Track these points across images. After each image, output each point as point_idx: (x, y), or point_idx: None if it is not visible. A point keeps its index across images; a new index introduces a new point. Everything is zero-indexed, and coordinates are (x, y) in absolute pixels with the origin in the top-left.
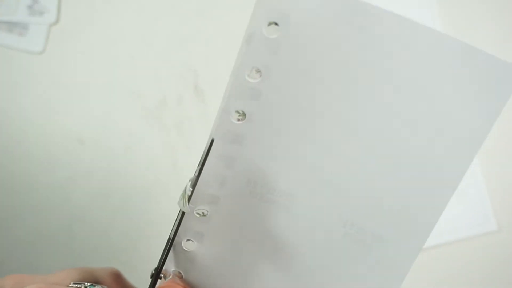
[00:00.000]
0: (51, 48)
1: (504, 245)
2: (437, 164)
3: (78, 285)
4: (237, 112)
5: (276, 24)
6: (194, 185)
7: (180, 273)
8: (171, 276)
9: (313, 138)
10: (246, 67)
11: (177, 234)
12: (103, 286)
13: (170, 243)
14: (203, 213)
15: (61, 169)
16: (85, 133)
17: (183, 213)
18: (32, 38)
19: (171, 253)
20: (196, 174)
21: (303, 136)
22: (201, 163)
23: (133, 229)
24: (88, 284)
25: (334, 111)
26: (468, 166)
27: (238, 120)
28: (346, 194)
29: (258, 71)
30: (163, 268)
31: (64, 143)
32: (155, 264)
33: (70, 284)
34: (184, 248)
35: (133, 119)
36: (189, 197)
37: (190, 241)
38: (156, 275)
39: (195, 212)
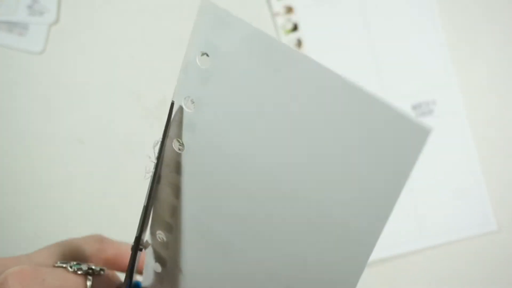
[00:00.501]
0: (51, 48)
1: (504, 245)
2: (350, 224)
3: (64, 265)
4: (178, 141)
5: (207, 55)
6: (160, 147)
7: None
8: (151, 246)
9: (236, 185)
10: (181, 97)
11: (149, 255)
12: (89, 264)
13: (145, 211)
14: (162, 238)
15: (61, 169)
16: (85, 133)
17: (154, 177)
18: (32, 38)
19: (144, 273)
20: (161, 139)
21: (228, 182)
22: (164, 129)
23: (132, 229)
24: (74, 263)
25: (253, 158)
26: (384, 224)
27: (179, 149)
28: (272, 249)
29: (192, 101)
30: (143, 239)
31: (64, 143)
32: None
33: (55, 264)
34: (154, 269)
35: (133, 119)
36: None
37: (157, 263)
38: (136, 246)
39: (157, 236)
